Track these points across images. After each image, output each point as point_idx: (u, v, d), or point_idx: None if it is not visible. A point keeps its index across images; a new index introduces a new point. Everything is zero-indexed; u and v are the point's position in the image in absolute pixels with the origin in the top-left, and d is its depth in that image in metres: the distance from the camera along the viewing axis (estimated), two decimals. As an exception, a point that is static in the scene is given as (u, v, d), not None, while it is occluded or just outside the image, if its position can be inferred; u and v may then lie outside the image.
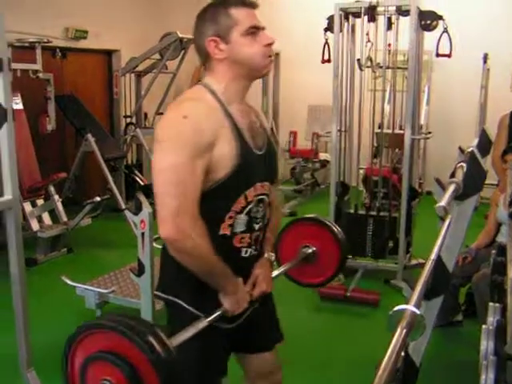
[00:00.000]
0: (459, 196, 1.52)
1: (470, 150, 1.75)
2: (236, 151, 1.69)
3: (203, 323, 1.67)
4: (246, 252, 1.84)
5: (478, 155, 1.69)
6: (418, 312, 1.27)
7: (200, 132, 1.62)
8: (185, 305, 1.81)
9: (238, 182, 1.72)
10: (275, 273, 2.06)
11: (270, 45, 1.74)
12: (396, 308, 1.29)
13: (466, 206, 1.61)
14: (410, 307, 1.29)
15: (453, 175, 1.62)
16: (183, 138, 1.61)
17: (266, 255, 1.96)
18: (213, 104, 1.72)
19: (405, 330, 1.22)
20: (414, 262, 4.92)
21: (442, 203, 1.37)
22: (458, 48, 4.66)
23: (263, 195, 1.83)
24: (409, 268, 4.80)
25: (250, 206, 1.78)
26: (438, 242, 1.68)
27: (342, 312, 4.22)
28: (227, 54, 1.71)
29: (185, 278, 1.75)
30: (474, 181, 1.62)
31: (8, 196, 2.50)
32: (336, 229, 2.27)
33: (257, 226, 1.84)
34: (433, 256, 1.62)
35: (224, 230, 1.76)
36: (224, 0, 1.74)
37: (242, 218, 1.78)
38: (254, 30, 1.72)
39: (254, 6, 1.75)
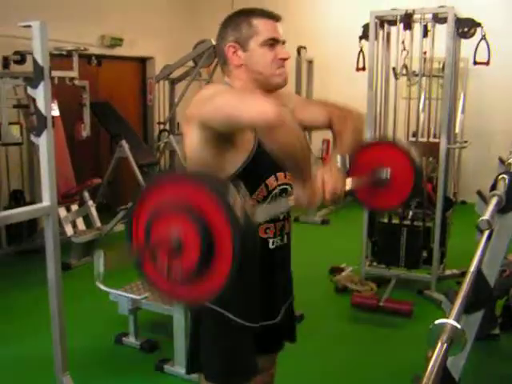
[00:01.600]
0: (502, 209, 1.49)
1: (511, 160, 1.71)
2: (253, 138, 1.72)
3: (284, 202, 1.70)
4: (274, 243, 1.85)
5: (521, 166, 1.65)
6: (459, 326, 1.24)
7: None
8: (232, 317, 1.81)
9: (257, 168, 1.74)
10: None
11: (284, 59, 1.78)
12: (436, 322, 1.27)
13: (508, 219, 1.57)
14: (451, 321, 1.26)
15: (494, 187, 1.59)
16: (218, 91, 1.67)
17: (333, 157, 1.88)
18: None
19: (445, 345, 1.19)
20: (448, 272, 4.85)
21: (486, 217, 1.34)
22: (495, 55, 4.58)
23: (286, 185, 1.85)
24: (443, 279, 4.73)
25: (271, 196, 1.80)
26: (478, 254, 1.64)
27: (375, 322, 4.17)
28: (244, 61, 1.77)
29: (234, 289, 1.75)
30: (517, 193, 1.59)
31: (46, 202, 2.54)
32: (412, 153, 2.11)
33: (281, 216, 1.86)
34: (472, 269, 1.58)
35: None
36: (249, 10, 1.79)
37: (265, 206, 1.78)
38: (273, 42, 1.76)
39: (276, 18, 1.79)
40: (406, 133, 4.80)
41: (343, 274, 4.82)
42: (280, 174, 1.83)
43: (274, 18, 1.78)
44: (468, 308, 1.47)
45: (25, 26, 2.43)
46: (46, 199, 2.54)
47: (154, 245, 1.28)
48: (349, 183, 1.92)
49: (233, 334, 1.82)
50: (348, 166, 1.89)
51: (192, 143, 1.69)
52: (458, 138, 6.12)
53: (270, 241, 1.84)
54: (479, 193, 1.72)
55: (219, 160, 1.70)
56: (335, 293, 4.67)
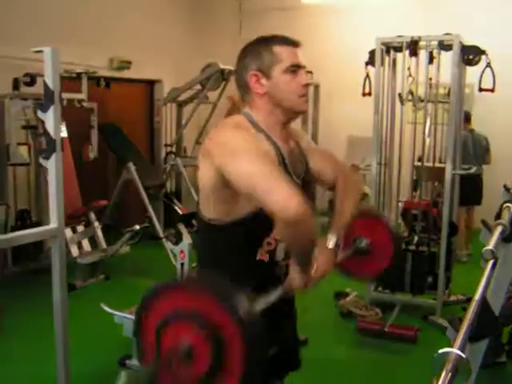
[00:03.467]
0: (506, 238, 1.49)
1: (515, 189, 1.72)
2: None
3: (282, 289, 1.67)
4: (285, 276, 1.82)
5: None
6: (463, 356, 1.24)
7: (252, 141, 1.65)
8: None
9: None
10: None
11: (307, 85, 1.78)
12: (441, 351, 1.26)
13: (512, 248, 1.57)
14: (456, 350, 1.26)
15: (498, 216, 1.59)
16: (249, 143, 1.62)
17: (328, 237, 1.90)
18: (254, 131, 1.75)
19: (450, 374, 1.19)
20: (453, 298, 4.83)
21: (490, 247, 1.35)
22: (501, 82, 4.60)
23: None
24: (448, 304, 4.71)
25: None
26: (483, 282, 1.64)
27: (380, 347, 4.15)
28: (267, 89, 1.75)
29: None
30: (521, 222, 1.59)
31: (54, 224, 2.56)
32: (388, 222, 2.27)
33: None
34: (477, 297, 1.58)
35: (262, 256, 1.75)
36: (268, 37, 1.78)
37: (283, 246, 1.78)
38: (295, 69, 1.75)
39: (297, 44, 1.79)
40: (411, 157, 4.82)
41: (348, 298, 4.80)
42: None
43: (294, 44, 1.78)
44: (473, 337, 1.47)
45: (37, 52, 2.47)
46: (54, 221, 2.55)
47: (166, 355, 1.33)
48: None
49: None
50: (340, 243, 1.96)
51: (206, 179, 1.67)
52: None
53: (282, 276, 1.80)
54: (484, 222, 1.72)
55: (232, 201, 1.68)
56: (340, 318, 4.65)
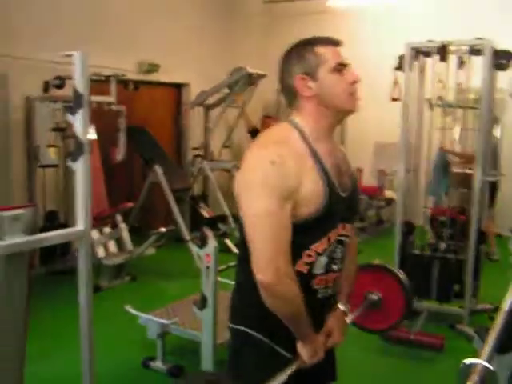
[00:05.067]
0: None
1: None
2: (322, 192, 1.68)
3: (291, 369, 1.69)
4: (322, 293, 1.82)
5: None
6: (491, 368, 1.21)
7: (287, 177, 1.62)
8: (263, 337, 1.80)
9: (322, 222, 1.71)
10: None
11: (355, 82, 1.74)
12: (467, 361, 1.24)
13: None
14: (482, 362, 1.23)
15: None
16: (272, 183, 1.62)
17: (340, 306, 1.95)
18: (299, 145, 1.72)
19: (476, 386, 1.17)
20: (480, 306, 4.75)
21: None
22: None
23: (343, 236, 1.82)
24: (475, 313, 4.63)
25: (331, 248, 1.77)
26: (511, 291, 1.61)
27: (406, 355, 4.10)
28: (315, 91, 1.72)
29: (257, 310, 1.75)
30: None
31: (80, 227, 2.58)
32: (401, 275, 2.26)
33: (335, 267, 1.82)
34: (506, 307, 1.55)
35: (300, 267, 1.73)
36: (309, 40, 1.76)
37: (323, 259, 1.77)
38: (341, 67, 1.73)
39: (338, 43, 1.77)
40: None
41: (374, 305, 4.75)
42: (339, 226, 1.79)
43: (335, 43, 1.76)
44: (500, 348, 1.44)
45: (67, 56, 2.50)
46: (80, 223, 2.57)
47: None
48: (349, 317, 2.08)
49: (277, 368, 1.74)
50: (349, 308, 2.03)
51: (254, 211, 1.66)
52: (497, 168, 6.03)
53: (320, 291, 1.81)
54: (512, 230, 1.68)
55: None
56: (365, 324, 4.61)
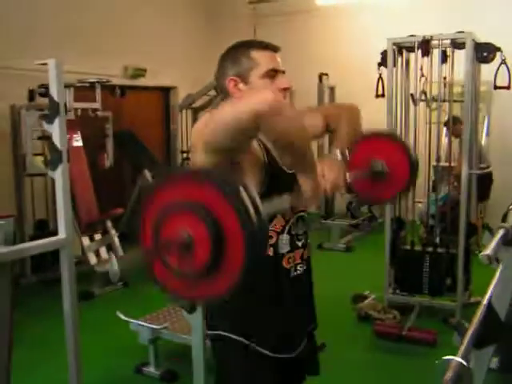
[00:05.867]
0: (509, 241, 1.45)
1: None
2: (264, 164, 1.70)
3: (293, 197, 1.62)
4: (295, 271, 1.85)
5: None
6: (465, 364, 1.21)
7: None
8: (232, 335, 1.80)
9: (271, 198, 1.69)
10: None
11: (286, 89, 1.75)
12: (443, 358, 1.24)
13: (515, 251, 1.53)
14: (457, 358, 1.23)
15: (504, 219, 1.55)
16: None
17: (332, 151, 1.87)
18: None
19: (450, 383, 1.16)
20: (473, 299, 4.74)
21: (487, 251, 1.31)
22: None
23: (302, 211, 1.86)
24: (468, 306, 4.62)
25: (289, 224, 1.80)
26: (491, 287, 1.61)
27: (398, 351, 4.09)
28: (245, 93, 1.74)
29: (229, 309, 1.76)
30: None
31: (62, 235, 2.57)
32: (406, 143, 2.22)
33: (300, 243, 1.86)
34: (484, 302, 1.55)
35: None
36: (246, 42, 1.79)
37: (285, 237, 1.80)
38: (273, 73, 1.74)
39: (275, 49, 1.78)
40: (427, 157, 4.75)
41: (366, 301, 4.75)
42: None
43: (272, 48, 1.77)
44: (478, 343, 1.44)
45: (41, 64, 2.49)
46: (62, 231, 2.57)
47: (164, 244, 1.26)
48: (348, 176, 1.92)
49: (254, 365, 1.79)
50: (347, 158, 1.89)
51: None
52: (482, 161, 6.03)
53: (292, 270, 1.84)
54: (488, 226, 1.68)
55: None
56: (358, 321, 4.61)
